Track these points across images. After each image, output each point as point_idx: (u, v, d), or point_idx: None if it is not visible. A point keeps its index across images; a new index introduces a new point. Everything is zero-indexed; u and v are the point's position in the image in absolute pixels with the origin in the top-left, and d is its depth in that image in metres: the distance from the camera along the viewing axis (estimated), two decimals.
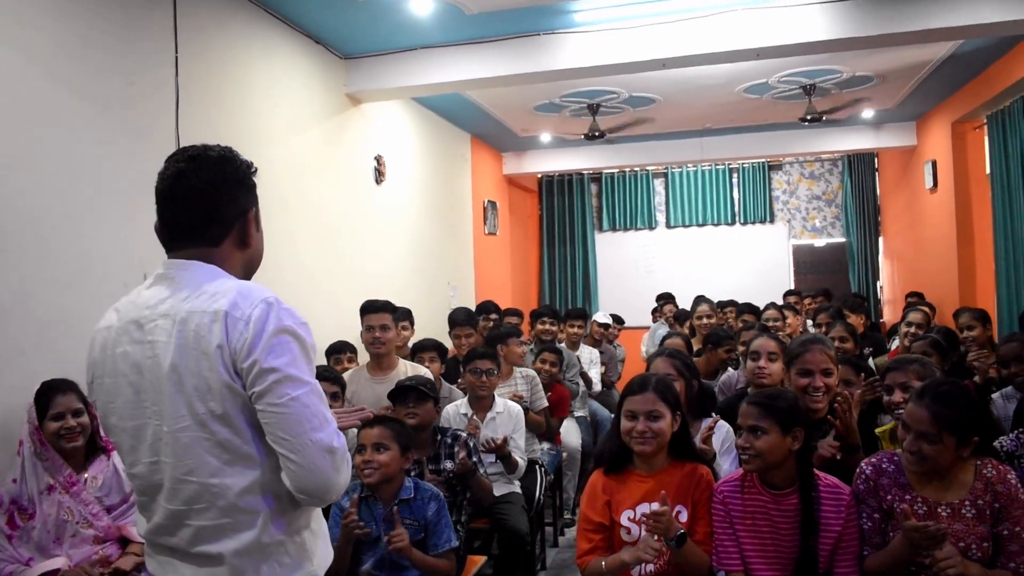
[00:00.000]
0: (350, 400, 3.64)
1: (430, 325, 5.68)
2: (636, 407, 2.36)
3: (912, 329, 4.54)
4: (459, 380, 4.21)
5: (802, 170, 9.58)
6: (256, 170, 1.58)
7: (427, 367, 4.02)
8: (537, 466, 4.04)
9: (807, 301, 7.46)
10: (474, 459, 3.20)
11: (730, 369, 4.56)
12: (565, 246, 9.80)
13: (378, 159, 5.48)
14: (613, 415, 2.62)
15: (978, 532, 2.09)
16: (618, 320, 7.13)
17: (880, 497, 2.20)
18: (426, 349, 4.36)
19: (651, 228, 9.76)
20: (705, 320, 5.61)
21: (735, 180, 9.59)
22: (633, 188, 9.77)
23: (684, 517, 2.32)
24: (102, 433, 2.66)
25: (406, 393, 3.18)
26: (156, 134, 3.37)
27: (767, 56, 4.69)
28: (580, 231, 9.77)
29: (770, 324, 5.26)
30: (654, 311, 7.68)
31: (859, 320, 5.66)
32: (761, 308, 5.83)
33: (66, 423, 2.54)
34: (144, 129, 3.31)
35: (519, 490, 3.71)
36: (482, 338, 4.92)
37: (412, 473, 2.91)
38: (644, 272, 9.61)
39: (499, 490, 3.52)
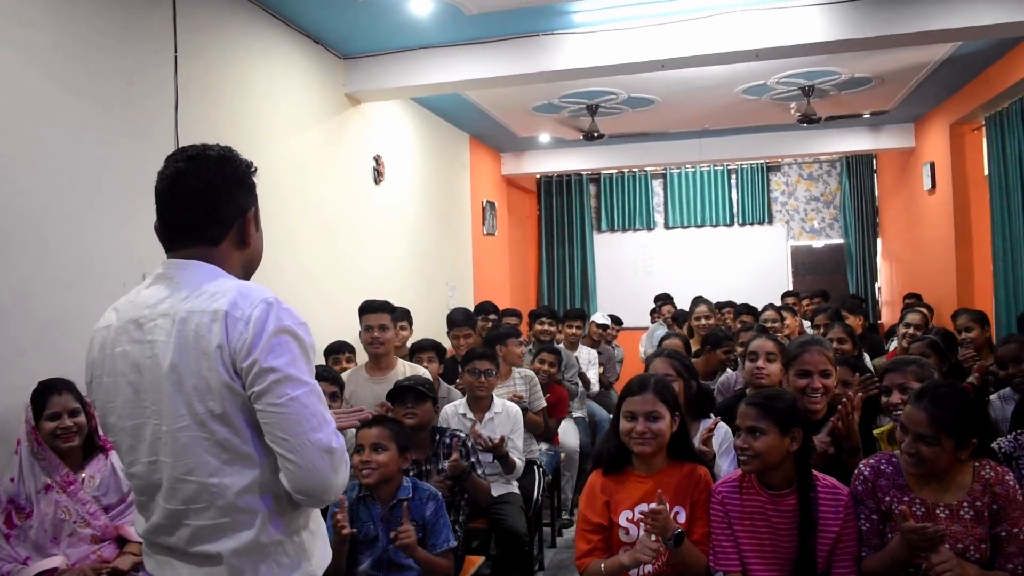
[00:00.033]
0: (348, 400, 3.64)
1: (428, 325, 5.68)
2: (635, 408, 2.36)
3: (910, 330, 4.55)
4: (457, 380, 4.21)
5: (800, 171, 9.59)
6: (256, 170, 1.57)
7: (425, 367, 4.02)
8: (535, 466, 4.05)
9: (805, 302, 7.47)
10: (472, 460, 3.20)
11: (728, 370, 4.56)
12: (564, 247, 9.80)
13: (377, 159, 5.48)
14: (611, 416, 2.62)
15: (976, 534, 2.09)
16: (616, 321, 7.13)
17: (878, 498, 2.20)
18: (424, 349, 4.36)
19: (649, 229, 9.77)
20: (703, 321, 5.61)
21: (733, 181, 9.59)
22: (632, 189, 9.78)
23: (682, 518, 2.33)
24: (100, 432, 2.66)
25: (405, 393, 3.18)
26: (155, 134, 3.37)
27: (766, 57, 4.69)
28: (579, 232, 9.77)
29: (768, 325, 5.26)
30: (652, 312, 7.69)
31: (857, 321, 5.67)
32: (759, 309, 5.84)
33: (62, 423, 2.53)
34: (143, 129, 3.31)
35: (517, 490, 3.71)
36: (480, 338, 4.93)
37: (411, 473, 2.91)
38: (642, 273, 9.62)
39: (497, 490, 3.52)
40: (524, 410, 4.00)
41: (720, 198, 9.54)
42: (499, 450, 3.46)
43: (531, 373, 4.43)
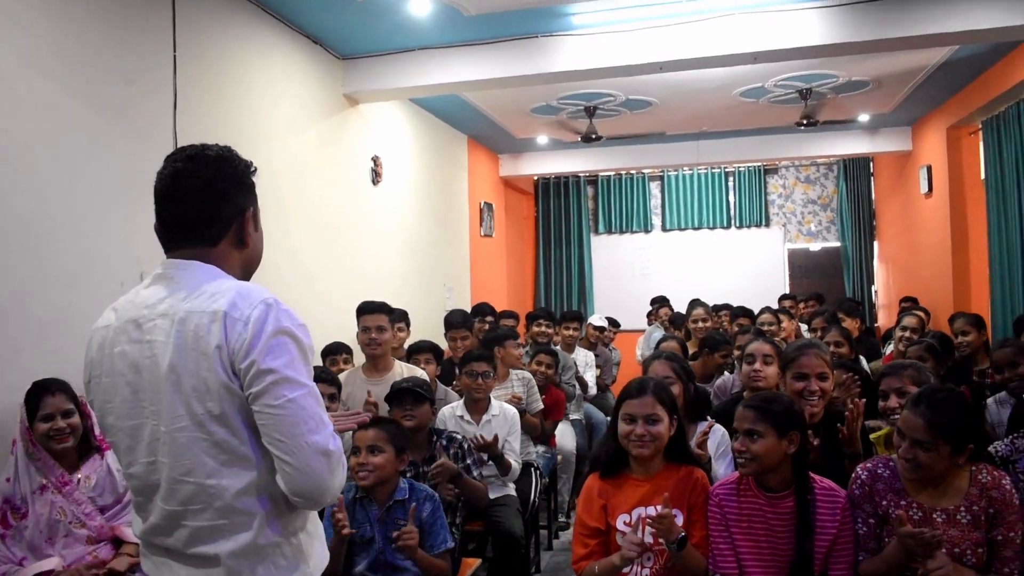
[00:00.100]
0: (345, 402, 3.63)
1: (426, 326, 5.68)
2: (634, 410, 2.36)
3: (907, 334, 4.56)
4: (455, 382, 4.21)
5: (798, 174, 9.60)
6: (255, 169, 1.57)
7: (423, 369, 4.02)
8: (532, 469, 4.04)
9: (802, 305, 7.48)
10: (468, 461, 3.20)
11: (725, 373, 4.56)
12: (561, 248, 9.80)
13: (375, 160, 5.48)
14: (608, 418, 2.62)
15: (973, 538, 2.09)
16: (613, 323, 7.13)
17: (875, 502, 2.21)
18: (422, 351, 4.35)
19: (647, 231, 9.77)
20: (700, 324, 5.61)
21: (731, 184, 9.60)
22: (629, 191, 9.78)
23: (680, 521, 2.32)
24: (96, 432, 2.65)
25: (403, 395, 3.17)
26: (154, 134, 3.36)
27: (764, 60, 4.70)
28: (576, 233, 9.77)
29: (765, 328, 5.27)
30: (649, 314, 7.68)
31: (854, 324, 5.68)
32: (756, 312, 5.84)
33: (55, 424, 2.52)
34: (142, 129, 3.30)
35: (514, 493, 3.71)
36: (478, 340, 4.92)
37: (408, 475, 2.91)
38: (640, 275, 9.62)
39: (494, 493, 3.52)
40: (521, 412, 4.00)
41: (717, 200, 9.55)
42: (493, 450, 3.46)
43: (528, 375, 4.42)
